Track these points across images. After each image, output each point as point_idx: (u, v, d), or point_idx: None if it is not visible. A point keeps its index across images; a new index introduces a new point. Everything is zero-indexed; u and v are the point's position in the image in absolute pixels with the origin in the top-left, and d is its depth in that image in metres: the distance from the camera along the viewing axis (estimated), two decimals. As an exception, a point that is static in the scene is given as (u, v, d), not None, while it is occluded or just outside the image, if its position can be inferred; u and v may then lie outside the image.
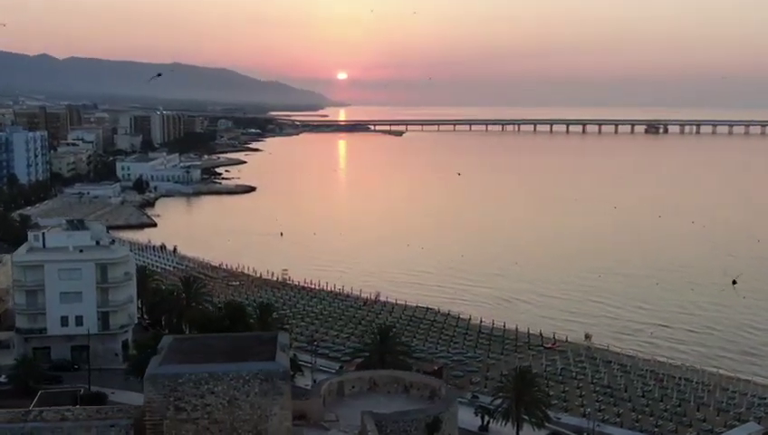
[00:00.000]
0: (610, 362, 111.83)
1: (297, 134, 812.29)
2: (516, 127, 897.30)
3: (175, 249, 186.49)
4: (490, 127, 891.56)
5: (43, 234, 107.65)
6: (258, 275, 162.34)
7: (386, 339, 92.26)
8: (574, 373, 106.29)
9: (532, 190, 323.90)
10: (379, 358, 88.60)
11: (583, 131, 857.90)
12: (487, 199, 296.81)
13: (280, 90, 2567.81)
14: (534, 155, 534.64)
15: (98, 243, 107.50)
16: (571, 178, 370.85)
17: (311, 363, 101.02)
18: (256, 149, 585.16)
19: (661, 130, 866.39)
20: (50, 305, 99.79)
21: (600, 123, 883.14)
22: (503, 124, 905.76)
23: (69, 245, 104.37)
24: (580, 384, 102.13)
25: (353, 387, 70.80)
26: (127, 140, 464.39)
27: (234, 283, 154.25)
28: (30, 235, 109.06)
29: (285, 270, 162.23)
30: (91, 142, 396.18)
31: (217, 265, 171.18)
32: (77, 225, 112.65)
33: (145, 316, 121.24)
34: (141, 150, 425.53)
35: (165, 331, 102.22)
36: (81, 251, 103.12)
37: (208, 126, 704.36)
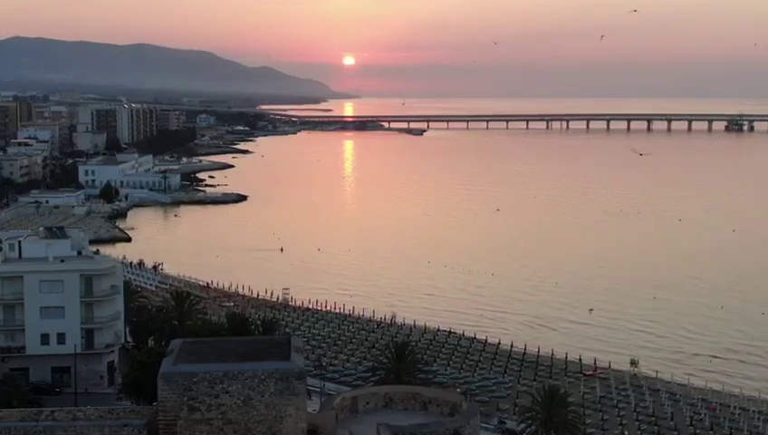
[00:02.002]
0: (658, 389, 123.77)
1: (294, 133, 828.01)
2: (564, 124, 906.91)
3: (155, 266, 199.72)
4: (531, 124, 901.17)
5: (20, 242, 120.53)
6: (255, 294, 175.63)
7: (403, 357, 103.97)
8: (615, 401, 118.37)
9: (583, 201, 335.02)
10: (396, 378, 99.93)
11: (648, 129, 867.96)
12: (523, 212, 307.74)
13: (271, 78, 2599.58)
14: (586, 155, 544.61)
15: (80, 253, 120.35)
16: (632, 188, 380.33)
17: (318, 388, 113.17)
18: (246, 151, 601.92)
19: (746, 128, 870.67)
20: (29, 321, 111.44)
21: (668, 119, 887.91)
22: (547, 120, 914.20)
23: (48, 255, 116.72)
24: (622, 413, 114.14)
25: (367, 403, 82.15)
26: (88, 139, 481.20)
27: (227, 303, 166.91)
28: (5, 244, 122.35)
29: (286, 289, 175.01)
30: (47, 142, 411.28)
31: (206, 284, 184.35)
32: (56, 233, 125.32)
33: (128, 338, 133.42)
34: (107, 152, 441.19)
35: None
36: (62, 261, 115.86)
37: (186, 122, 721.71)
